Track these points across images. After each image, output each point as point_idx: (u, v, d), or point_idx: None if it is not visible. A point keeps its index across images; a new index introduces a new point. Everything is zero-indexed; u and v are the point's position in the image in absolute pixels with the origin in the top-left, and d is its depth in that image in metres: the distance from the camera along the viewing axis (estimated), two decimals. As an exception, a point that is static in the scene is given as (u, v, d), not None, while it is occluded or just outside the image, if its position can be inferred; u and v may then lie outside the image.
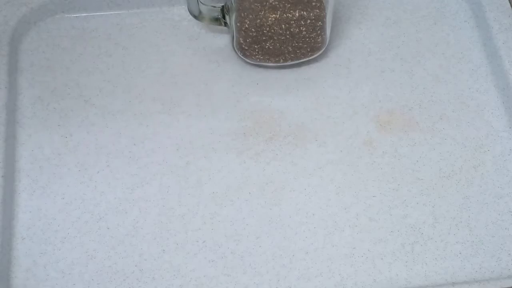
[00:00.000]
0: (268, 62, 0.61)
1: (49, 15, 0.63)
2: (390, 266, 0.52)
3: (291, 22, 0.57)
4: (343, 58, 0.63)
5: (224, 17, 0.60)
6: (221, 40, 0.63)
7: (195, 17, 0.61)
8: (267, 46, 0.59)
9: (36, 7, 0.62)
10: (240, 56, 0.61)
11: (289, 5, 0.57)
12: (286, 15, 0.57)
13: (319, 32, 0.59)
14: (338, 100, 0.60)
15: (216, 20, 0.61)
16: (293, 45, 0.59)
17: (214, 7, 0.60)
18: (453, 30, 0.64)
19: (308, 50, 0.60)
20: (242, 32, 0.58)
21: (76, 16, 0.64)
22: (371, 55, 0.63)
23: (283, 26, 0.57)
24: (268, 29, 0.58)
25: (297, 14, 0.57)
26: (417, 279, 0.51)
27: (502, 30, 0.62)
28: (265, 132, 0.58)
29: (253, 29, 0.58)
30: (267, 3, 0.57)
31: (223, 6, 0.60)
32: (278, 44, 0.59)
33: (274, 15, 0.57)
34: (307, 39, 0.59)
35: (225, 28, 0.62)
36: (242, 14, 0.57)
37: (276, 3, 0.57)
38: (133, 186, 0.55)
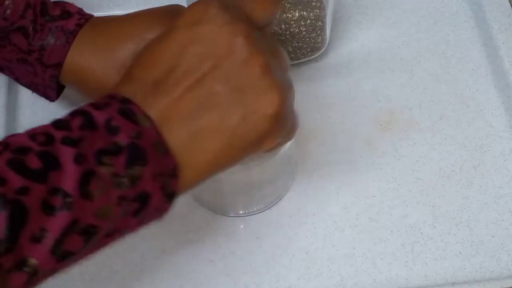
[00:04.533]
0: (268, 62, 0.60)
1: (49, 15, 0.63)
2: (390, 266, 0.52)
3: (291, 22, 0.57)
4: (343, 58, 0.62)
5: (224, 17, 0.60)
6: (221, 40, 0.63)
7: (195, 17, 0.61)
8: (267, 46, 0.59)
9: (36, 7, 0.62)
10: (240, 56, 0.61)
11: (289, 5, 0.57)
12: (286, 15, 0.57)
13: (319, 32, 0.59)
14: (338, 100, 0.60)
15: (216, 20, 0.61)
16: (293, 45, 0.59)
17: (214, 7, 0.60)
18: (453, 30, 0.64)
19: (308, 50, 0.60)
20: (242, 32, 0.58)
21: (76, 16, 0.64)
22: (371, 55, 0.63)
23: (283, 26, 0.57)
24: (268, 29, 0.57)
25: (297, 14, 0.57)
26: (417, 279, 0.51)
27: (502, 30, 0.62)
28: (265, 132, 0.58)
29: (253, 29, 0.58)
30: (267, 3, 0.57)
31: (223, 6, 0.60)
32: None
33: (274, 15, 0.57)
34: (307, 39, 0.59)
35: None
36: (242, 14, 0.57)
37: (276, 3, 0.57)
38: (133, 186, 0.55)
